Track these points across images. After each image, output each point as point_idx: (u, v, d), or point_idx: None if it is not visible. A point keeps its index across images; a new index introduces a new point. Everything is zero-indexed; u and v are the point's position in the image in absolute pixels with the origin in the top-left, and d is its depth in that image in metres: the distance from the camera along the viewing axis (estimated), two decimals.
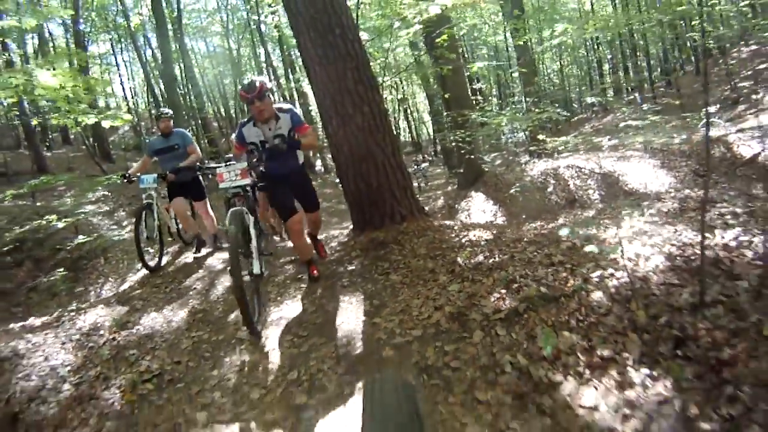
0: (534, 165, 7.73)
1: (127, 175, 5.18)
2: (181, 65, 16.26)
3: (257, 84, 3.41)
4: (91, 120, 6.36)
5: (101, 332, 3.25)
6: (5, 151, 13.32)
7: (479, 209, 7.12)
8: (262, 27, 17.50)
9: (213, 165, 3.67)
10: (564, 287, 2.27)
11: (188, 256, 5.37)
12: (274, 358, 2.67)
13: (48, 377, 2.59)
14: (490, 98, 19.54)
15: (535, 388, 1.79)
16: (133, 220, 5.22)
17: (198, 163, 4.94)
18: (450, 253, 3.23)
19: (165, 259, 5.44)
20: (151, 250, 5.68)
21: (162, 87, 15.49)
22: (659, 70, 17.75)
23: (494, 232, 3.49)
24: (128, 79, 22.09)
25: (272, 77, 18.52)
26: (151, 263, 5.20)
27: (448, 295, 2.62)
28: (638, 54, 17.83)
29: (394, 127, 20.51)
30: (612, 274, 2.23)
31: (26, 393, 2.44)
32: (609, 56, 21.77)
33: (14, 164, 13.02)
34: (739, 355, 1.59)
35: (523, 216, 6.26)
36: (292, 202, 3.77)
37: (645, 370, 1.67)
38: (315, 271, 3.86)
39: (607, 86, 17.32)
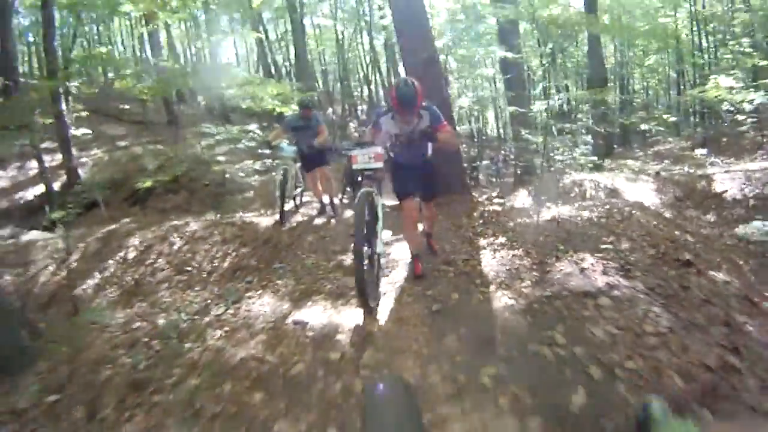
0: (569, 176, 10.78)
1: (269, 141, 7.07)
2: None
3: (416, 98, 3.52)
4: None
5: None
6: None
7: (519, 200, 10.27)
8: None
9: (347, 146, 3.95)
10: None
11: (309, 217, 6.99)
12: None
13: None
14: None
15: None
16: (277, 179, 6.77)
17: (332, 146, 6.09)
18: (473, 213, 6.47)
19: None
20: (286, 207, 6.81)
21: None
22: None
23: (500, 208, 6.75)
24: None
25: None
26: (285, 219, 6.48)
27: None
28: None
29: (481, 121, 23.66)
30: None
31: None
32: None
33: (150, 115, 17.43)
34: None
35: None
36: (410, 187, 4.03)
37: None
38: (419, 269, 4.11)
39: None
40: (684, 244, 4.23)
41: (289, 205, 6.87)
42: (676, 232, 4.72)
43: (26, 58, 20.64)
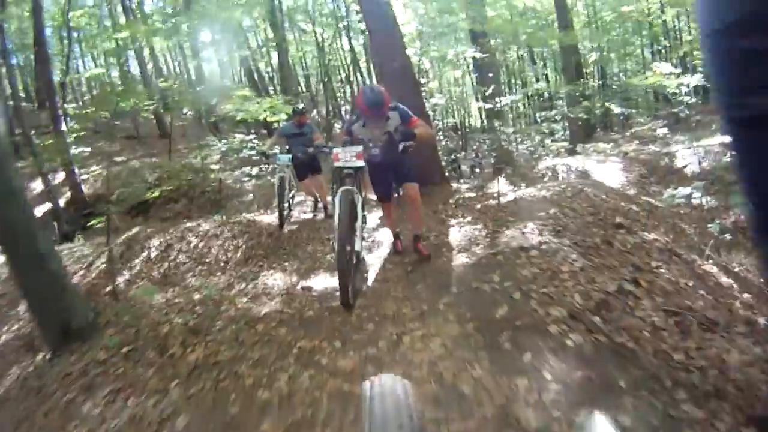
0: (544, 161, 11.83)
1: (264, 151, 7.78)
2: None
3: (383, 101, 3.91)
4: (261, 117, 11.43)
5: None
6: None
7: (495, 187, 11.29)
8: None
9: (331, 145, 4.42)
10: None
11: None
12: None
13: None
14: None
15: None
16: (275, 186, 7.33)
17: (322, 146, 5.92)
18: (448, 200, 7.47)
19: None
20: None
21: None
22: None
23: (474, 194, 7.76)
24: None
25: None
26: (284, 223, 7.04)
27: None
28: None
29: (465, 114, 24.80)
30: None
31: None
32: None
33: (141, 130, 18.38)
34: None
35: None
36: (389, 191, 4.61)
37: None
38: (399, 246, 4.84)
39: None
40: (626, 212, 5.24)
41: (286, 211, 7.32)
42: (622, 203, 5.72)
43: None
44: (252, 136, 13.55)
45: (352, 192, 3.88)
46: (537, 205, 5.40)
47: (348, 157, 3.93)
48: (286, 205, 7.41)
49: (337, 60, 26.72)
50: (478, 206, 6.11)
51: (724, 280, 3.62)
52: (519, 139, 11.62)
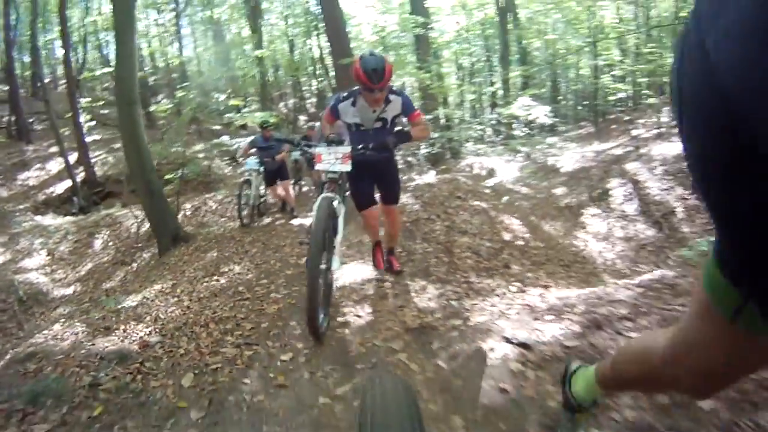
0: (465, 160, 16.46)
1: (235, 157, 11.68)
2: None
3: (385, 69, 3.48)
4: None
5: None
6: None
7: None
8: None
9: (313, 143, 3.98)
10: None
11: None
12: None
13: None
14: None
15: None
16: (239, 188, 8.96)
17: (290, 138, 6.07)
18: None
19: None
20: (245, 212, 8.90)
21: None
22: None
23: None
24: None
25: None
26: (246, 220, 8.63)
27: None
28: None
29: None
30: None
31: None
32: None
33: None
34: None
35: None
36: (371, 197, 4.23)
37: None
38: (380, 263, 4.70)
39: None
40: (478, 193, 9.75)
41: (246, 211, 8.81)
42: (483, 187, 10.29)
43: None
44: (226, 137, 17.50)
45: (332, 200, 3.50)
46: (427, 191, 9.86)
47: (332, 159, 3.56)
48: (255, 205, 9.12)
49: (305, 54, 30.68)
50: None
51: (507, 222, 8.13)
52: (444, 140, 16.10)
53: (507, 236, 6.85)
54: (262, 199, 9.59)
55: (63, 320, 5.35)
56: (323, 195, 3.51)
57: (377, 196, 4.39)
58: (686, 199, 9.38)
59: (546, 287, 4.45)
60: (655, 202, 9.81)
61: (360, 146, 3.68)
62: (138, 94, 7.80)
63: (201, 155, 17.48)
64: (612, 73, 18.56)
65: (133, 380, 3.04)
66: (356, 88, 3.79)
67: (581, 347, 2.78)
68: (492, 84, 21.32)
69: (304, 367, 3.02)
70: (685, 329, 1.07)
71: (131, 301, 5.48)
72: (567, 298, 3.75)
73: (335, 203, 3.57)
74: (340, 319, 3.79)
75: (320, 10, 13.87)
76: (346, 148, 3.59)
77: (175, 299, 5.07)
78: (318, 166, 3.68)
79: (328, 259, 3.50)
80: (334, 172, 3.68)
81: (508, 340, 2.96)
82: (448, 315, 3.70)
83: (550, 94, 27.89)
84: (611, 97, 18.94)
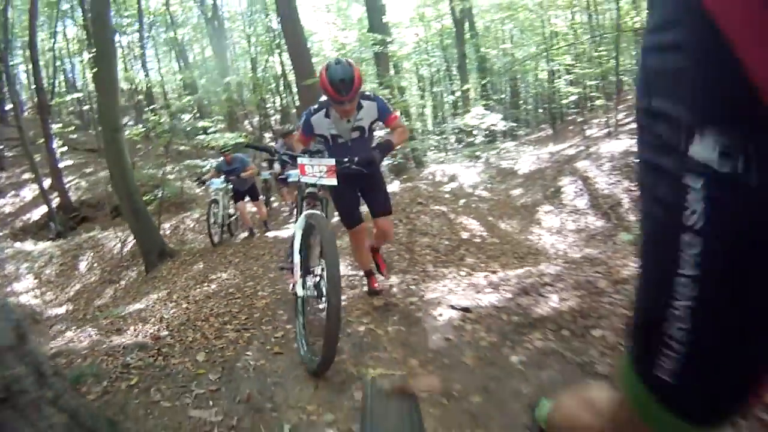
0: (427, 168, 17.41)
1: (202, 180, 10.01)
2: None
3: (354, 78, 3.29)
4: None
5: None
6: None
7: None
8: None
9: (293, 153, 3.58)
10: None
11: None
12: None
13: None
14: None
15: None
16: (207, 208, 9.38)
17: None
18: None
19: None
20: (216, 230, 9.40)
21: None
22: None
23: None
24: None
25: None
26: (216, 239, 9.14)
27: None
28: None
29: None
30: None
31: None
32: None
33: (99, 142, 22.92)
34: None
35: None
36: (358, 211, 3.94)
37: None
38: (376, 284, 4.37)
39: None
40: (438, 198, 10.67)
41: (216, 230, 9.29)
42: (443, 192, 11.22)
43: None
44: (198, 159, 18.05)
45: (317, 218, 3.24)
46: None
47: (317, 171, 3.31)
48: (225, 225, 9.64)
49: (267, 71, 31.38)
50: None
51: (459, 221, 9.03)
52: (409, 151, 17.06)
53: (465, 235, 7.69)
54: (231, 218, 10.03)
55: (75, 327, 6.06)
56: (307, 213, 3.37)
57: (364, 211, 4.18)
58: (632, 190, 10.44)
59: (493, 272, 5.33)
60: (603, 196, 10.86)
61: (345, 159, 3.44)
62: (121, 120, 8.47)
63: (172, 176, 18.11)
64: (564, 77, 19.76)
65: (156, 360, 3.80)
66: (326, 98, 3.58)
67: (510, 306, 3.68)
68: (453, 93, 22.34)
69: (294, 341, 3.82)
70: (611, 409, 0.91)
71: (132, 308, 6.22)
72: (506, 275, 4.65)
73: (320, 220, 3.25)
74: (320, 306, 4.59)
75: (281, 27, 14.32)
76: (330, 161, 3.32)
77: (174, 303, 5.84)
78: (303, 179, 3.40)
79: (314, 281, 3.32)
80: (314, 186, 3.46)
81: (453, 307, 3.82)
82: (407, 295, 4.54)
83: (510, 100, 29.28)
84: (564, 101, 20.16)
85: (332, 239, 3.01)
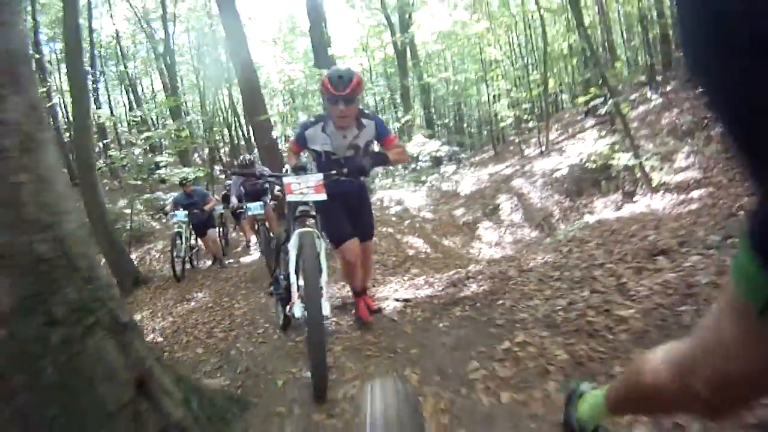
0: (376, 194, 18.65)
1: (165, 211, 11.16)
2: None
3: (352, 78, 3.33)
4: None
5: None
6: None
7: None
8: None
9: (278, 174, 3.73)
10: None
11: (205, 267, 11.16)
12: None
13: None
14: None
15: None
16: (171, 241, 9.47)
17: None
18: None
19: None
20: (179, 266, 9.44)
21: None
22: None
23: None
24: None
25: None
26: (179, 272, 9.19)
27: None
28: None
29: None
30: None
31: None
32: None
33: None
34: None
35: None
36: (348, 226, 3.80)
37: None
38: (365, 313, 4.27)
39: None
40: (385, 221, 11.83)
41: (179, 264, 9.38)
42: (390, 216, 12.42)
43: None
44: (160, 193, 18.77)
45: (313, 235, 3.13)
46: None
47: (304, 188, 3.24)
48: (186, 257, 9.73)
49: (216, 104, 32.05)
50: None
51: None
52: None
53: (411, 252, 8.87)
54: (193, 251, 10.28)
55: None
56: (301, 229, 3.21)
57: None
58: (561, 203, 11.84)
59: (432, 276, 6.50)
60: (536, 209, 12.25)
61: (333, 171, 3.40)
62: (94, 157, 9.38)
63: (128, 211, 18.71)
64: (501, 101, 21.42)
65: (163, 355, 4.80)
66: (325, 112, 3.63)
67: (440, 295, 4.85)
68: (398, 120, 23.75)
69: (275, 333, 4.86)
70: (704, 334, 0.91)
71: None
72: (440, 276, 5.86)
73: (315, 238, 3.14)
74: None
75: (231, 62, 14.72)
76: (317, 176, 3.29)
77: (160, 318, 6.82)
78: (289, 198, 3.30)
79: (323, 306, 3.01)
80: (306, 204, 3.38)
81: (397, 300, 4.98)
82: None
83: (454, 124, 30.95)
84: (502, 124, 21.79)
85: (312, 255, 3.01)
